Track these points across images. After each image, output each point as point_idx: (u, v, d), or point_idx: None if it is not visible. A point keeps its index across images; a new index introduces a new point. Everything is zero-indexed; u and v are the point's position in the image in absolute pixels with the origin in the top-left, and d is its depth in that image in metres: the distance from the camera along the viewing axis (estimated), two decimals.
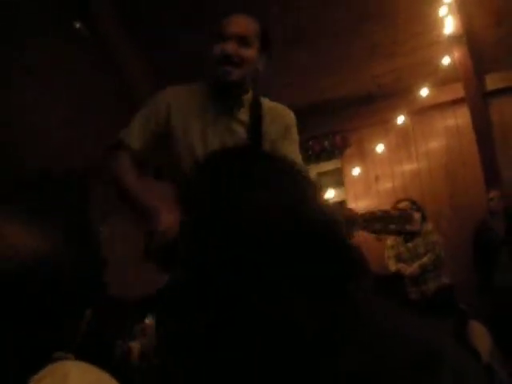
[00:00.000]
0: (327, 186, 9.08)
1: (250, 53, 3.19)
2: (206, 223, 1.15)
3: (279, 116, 3.43)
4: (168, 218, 2.93)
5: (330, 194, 9.22)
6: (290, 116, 3.47)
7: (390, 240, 7.94)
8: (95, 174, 9.48)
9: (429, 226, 7.76)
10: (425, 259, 7.49)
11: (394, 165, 9.07)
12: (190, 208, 1.22)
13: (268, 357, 1.04)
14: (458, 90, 8.35)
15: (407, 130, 8.96)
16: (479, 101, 8.31)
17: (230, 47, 3.13)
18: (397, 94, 8.66)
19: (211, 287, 1.11)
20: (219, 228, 1.12)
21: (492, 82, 8.36)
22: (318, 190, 1.29)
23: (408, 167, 9.00)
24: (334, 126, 9.28)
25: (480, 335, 5.92)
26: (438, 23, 7.86)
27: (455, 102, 8.55)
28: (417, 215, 3.06)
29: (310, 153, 9.33)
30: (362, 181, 9.14)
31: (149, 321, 6.23)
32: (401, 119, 8.76)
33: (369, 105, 8.88)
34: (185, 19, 8.06)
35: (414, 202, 7.72)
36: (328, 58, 8.29)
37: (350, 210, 3.18)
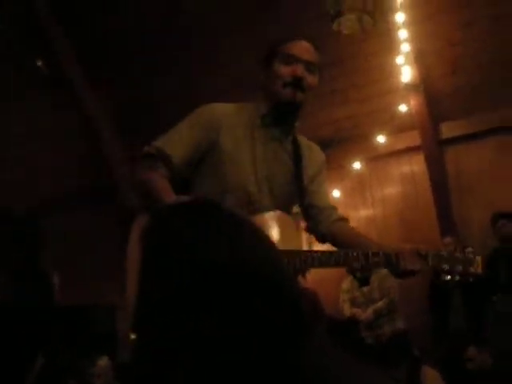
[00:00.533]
0: None
1: (315, 81, 3.14)
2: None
3: (316, 153, 3.42)
4: None
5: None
6: (323, 156, 3.46)
7: (345, 284, 7.96)
8: (51, 215, 9.42)
9: (384, 270, 7.77)
10: (379, 304, 7.52)
11: (349, 210, 9.08)
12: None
13: None
14: (414, 138, 8.45)
15: (363, 175, 9.02)
16: (435, 148, 8.42)
17: (301, 71, 3.05)
18: (354, 139, 8.74)
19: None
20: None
21: (448, 130, 8.47)
22: (265, 236, 1.26)
23: (363, 213, 9.05)
24: None
25: (433, 380, 5.94)
26: (395, 71, 7.97)
27: (411, 150, 8.64)
28: (479, 259, 2.96)
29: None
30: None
31: (102, 362, 6.17)
32: (357, 165, 8.83)
33: (325, 149, 8.88)
34: (146, 61, 8.11)
35: None
36: None
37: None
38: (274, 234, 2.95)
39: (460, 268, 2.94)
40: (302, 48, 3.11)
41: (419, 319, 8.00)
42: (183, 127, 3.06)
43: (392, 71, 8.02)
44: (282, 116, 3.15)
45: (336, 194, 9.06)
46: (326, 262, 2.90)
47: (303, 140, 3.36)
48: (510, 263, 7.29)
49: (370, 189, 9.10)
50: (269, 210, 3.05)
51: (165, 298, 1.11)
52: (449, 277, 2.93)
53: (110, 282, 7.86)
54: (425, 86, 8.06)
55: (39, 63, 7.63)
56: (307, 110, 8.36)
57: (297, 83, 3.03)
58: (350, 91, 8.33)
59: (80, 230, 9.69)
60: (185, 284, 1.09)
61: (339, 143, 8.82)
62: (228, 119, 3.10)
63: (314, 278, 8.34)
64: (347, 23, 7.03)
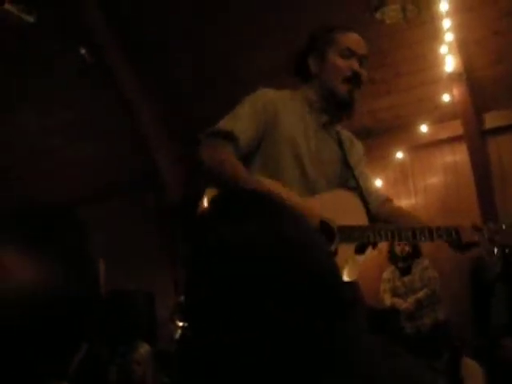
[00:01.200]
0: None
1: (366, 75, 3.20)
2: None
3: (357, 145, 3.50)
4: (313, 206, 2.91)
5: None
6: (363, 148, 3.55)
7: (386, 273, 7.94)
8: (92, 204, 9.52)
9: (425, 261, 7.76)
10: (420, 294, 7.49)
11: None
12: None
13: None
14: (456, 128, 8.38)
15: (405, 165, 8.98)
16: (477, 138, 8.35)
17: (358, 66, 3.13)
18: (396, 129, 8.69)
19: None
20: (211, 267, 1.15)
21: (491, 119, 8.39)
22: (308, 224, 1.28)
23: (405, 202, 8.99)
24: None
25: (472, 373, 5.92)
26: (438, 61, 7.91)
27: (454, 139, 8.57)
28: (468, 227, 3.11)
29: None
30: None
31: (142, 349, 6.23)
32: (399, 155, 8.80)
33: (367, 140, 8.88)
34: (179, 46, 8.15)
35: None
36: None
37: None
38: (343, 211, 3.00)
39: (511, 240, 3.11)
40: (358, 41, 3.20)
41: (460, 310, 7.96)
42: (245, 110, 3.10)
43: (435, 61, 7.96)
44: (332, 106, 3.19)
45: (378, 183, 9.02)
46: (395, 235, 3.03)
47: (344, 132, 3.42)
48: None
49: (413, 178, 9.05)
50: (326, 189, 3.13)
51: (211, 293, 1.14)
52: (496, 250, 3.08)
53: (149, 270, 7.96)
54: (468, 75, 7.99)
55: (83, 51, 7.67)
56: None
57: (356, 80, 3.11)
58: (393, 81, 8.28)
59: (120, 219, 9.77)
60: (233, 281, 1.13)
61: (381, 133, 8.79)
62: (283, 104, 3.16)
63: None
64: (390, 13, 7.02)
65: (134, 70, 8.43)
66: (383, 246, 8.24)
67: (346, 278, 2.94)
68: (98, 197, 9.96)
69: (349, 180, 3.27)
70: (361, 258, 3.06)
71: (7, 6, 6.20)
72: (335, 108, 3.19)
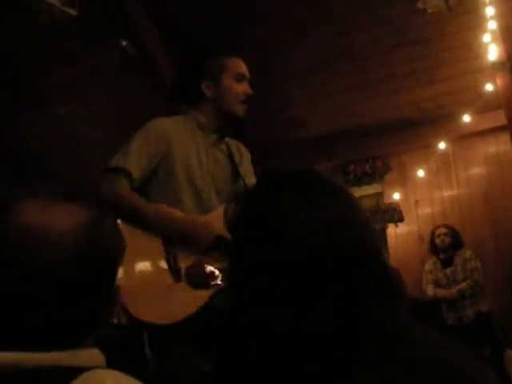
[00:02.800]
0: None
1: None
2: (253, 240, 1.18)
3: (243, 153, 3.76)
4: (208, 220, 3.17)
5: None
6: (248, 154, 3.82)
7: (428, 265, 7.91)
8: None
9: (467, 252, 7.72)
10: (463, 285, 7.45)
11: (433, 190, 9.03)
12: (242, 224, 1.25)
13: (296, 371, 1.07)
14: (500, 117, 8.28)
15: (448, 156, 8.93)
16: None
17: (250, 90, 3.50)
18: (438, 119, 8.63)
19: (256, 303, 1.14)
20: (265, 245, 1.15)
21: None
22: (365, 212, 1.33)
23: (448, 193, 8.95)
24: (375, 150, 9.26)
25: None
26: (481, 50, 7.83)
27: (497, 130, 8.48)
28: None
29: (352, 176, 9.34)
30: (402, 205, 9.04)
31: None
32: (442, 145, 8.73)
33: (410, 130, 8.85)
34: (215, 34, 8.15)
35: (451, 228, 7.71)
36: (368, 81, 8.31)
37: None
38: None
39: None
40: (243, 65, 3.56)
41: (502, 301, 7.91)
42: (137, 143, 3.35)
43: (478, 49, 7.87)
44: (224, 125, 3.56)
45: (421, 174, 9.00)
46: None
47: (232, 142, 3.71)
48: None
49: (455, 169, 9.00)
50: (217, 206, 3.39)
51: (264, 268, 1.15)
52: None
53: None
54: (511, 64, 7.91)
55: (124, 43, 7.69)
56: (389, 90, 8.30)
57: (247, 100, 3.48)
58: (435, 70, 8.21)
59: None
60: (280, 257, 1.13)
61: (424, 123, 8.74)
62: (175, 131, 3.43)
63: (397, 259, 8.34)
64: (432, 2, 6.97)
65: (175, 61, 8.46)
66: (425, 237, 8.22)
67: None
68: None
69: (241, 191, 3.53)
70: None
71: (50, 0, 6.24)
72: (230, 126, 3.57)
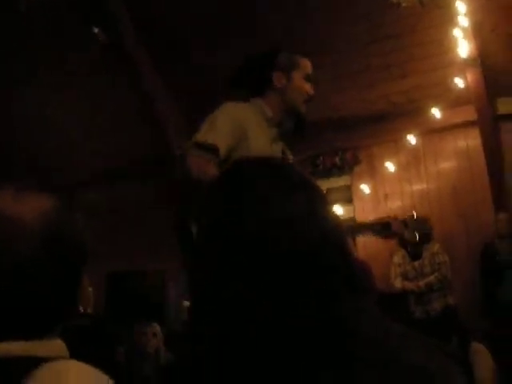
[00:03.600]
0: (336, 202, 9.09)
1: None
2: (213, 232, 1.18)
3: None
4: None
5: (339, 210, 9.25)
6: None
7: (396, 258, 7.96)
8: (108, 188, 9.57)
9: (436, 245, 7.79)
10: (431, 278, 7.52)
11: (403, 183, 9.07)
12: (203, 215, 1.24)
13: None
14: (469, 113, 8.36)
15: (418, 149, 8.97)
16: (490, 124, 8.32)
17: (312, 90, 3.55)
18: (409, 113, 8.68)
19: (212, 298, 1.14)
20: (230, 243, 1.14)
21: (504, 105, 8.37)
22: (328, 203, 1.31)
23: (417, 187, 9.00)
24: (345, 142, 9.30)
25: (481, 358, 5.95)
26: (452, 45, 7.89)
27: (467, 124, 8.55)
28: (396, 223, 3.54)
29: (321, 168, 9.36)
30: (371, 198, 9.15)
31: (155, 325, 6.28)
32: (412, 139, 8.79)
33: (381, 123, 8.90)
34: (197, 32, 8.13)
35: (418, 220, 7.76)
36: (340, 75, 8.34)
37: None
38: None
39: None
40: (312, 68, 3.61)
41: (470, 295, 7.99)
42: (220, 123, 3.25)
43: (450, 45, 7.93)
44: (290, 121, 3.57)
45: (391, 167, 9.04)
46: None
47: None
48: None
49: (425, 162, 9.05)
50: None
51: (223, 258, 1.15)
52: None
53: (158, 252, 8.00)
54: (482, 60, 7.97)
55: (96, 30, 7.66)
56: (362, 84, 8.34)
57: (310, 101, 3.55)
58: (407, 65, 8.26)
59: (133, 201, 9.81)
60: (245, 247, 1.12)
61: (395, 117, 8.79)
62: (248, 118, 3.37)
63: (366, 252, 8.38)
64: None
65: (152, 56, 8.44)
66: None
67: None
68: (110, 179, 10.01)
69: None
70: None
71: None
72: (293, 123, 3.58)
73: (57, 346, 1.35)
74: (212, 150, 3.12)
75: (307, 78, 3.54)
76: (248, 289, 1.11)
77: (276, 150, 3.51)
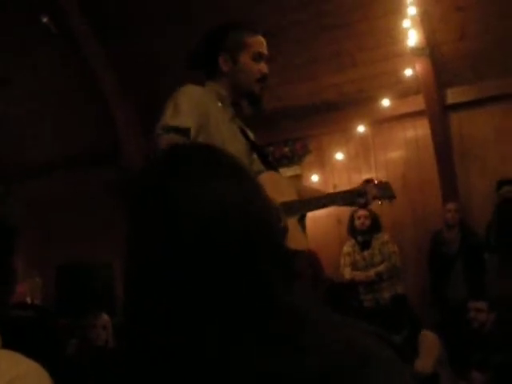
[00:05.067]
0: None
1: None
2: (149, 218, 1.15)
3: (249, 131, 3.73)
4: None
5: None
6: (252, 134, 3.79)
7: (346, 247, 8.00)
8: (55, 177, 9.45)
9: (385, 235, 7.84)
10: (381, 267, 7.58)
11: (352, 173, 9.10)
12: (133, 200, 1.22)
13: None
14: (418, 103, 8.41)
15: (367, 139, 9.01)
16: (439, 114, 8.38)
17: (267, 70, 3.48)
18: (358, 103, 8.71)
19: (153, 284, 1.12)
20: (162, 225, 1.12)
21: (453, 95, 8.42)
22: (262, 187, 1.32)
23: (366, 176, 9.00)
24: (294, 132, 9.29)
25: (430, 344, 6.02)
26: (401, 35, 7.92)
27: (416, 114, 8.59)
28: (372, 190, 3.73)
29: (270, 158, 9.36)
30: (321, 188, 9.18)
31: (105, 316, 6.24)
32: (361, 128, 8.82)
33: (330, 113, 8.91)
34: (147, 17, 8.07)
35: (371, 211, 7.78)
36: (290, 64, 8.33)
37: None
38: (276, 190, 3.28)
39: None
40: (264, 44, 3.52)
41: (418, 284, 8.06)
42: (185, 103, 3.23)
43: (398, 35, 7.96)
44: (243, 102, 3.52)
45: (339, 157, 9.07)
46: (324, 204, 3.61)
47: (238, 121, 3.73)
48: (499, 224, 7.33)
49: (374, 152, 9.09)
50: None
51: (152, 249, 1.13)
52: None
53: (107, 242, 7.93)
54: (431, 50, 8.00)
55: (45, 19, 7.56)
56: (312, 73, 8.33)
57: (264, 80, 3.47)
58: (356, 54, 8.28)
59: (81, 191, 9.72)
60: (171, 238, 1.11)
61: (344, 106, 8.81)
62: (208, 101, 3.36)
63: (315, 241, 8.39)
64: None
65: (99, 39, 8.35)
66: (344, 219, 8.30)
67: (300, 248, 3.30)
68: (57, 169, 9.89)
69: (253, 165, 3.61)
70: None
71: None
72: (247, 103, 3.51)
73: None
74: (183, 131, 3.11)
75: (257, 58, 3.45)
76: (176, 268, 1.09)
77: (233, 129, 3.48)
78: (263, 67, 3.45)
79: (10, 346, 1.35)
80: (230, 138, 3.37)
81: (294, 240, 3.15)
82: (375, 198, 3.76)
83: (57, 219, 9.62)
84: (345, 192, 3.84)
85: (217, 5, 7.75)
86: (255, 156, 3.63)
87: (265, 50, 3.49)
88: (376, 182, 3.84)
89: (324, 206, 3.61)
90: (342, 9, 7.62)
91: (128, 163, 8.95)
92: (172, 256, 1.09)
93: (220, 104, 3.44)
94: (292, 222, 3.25)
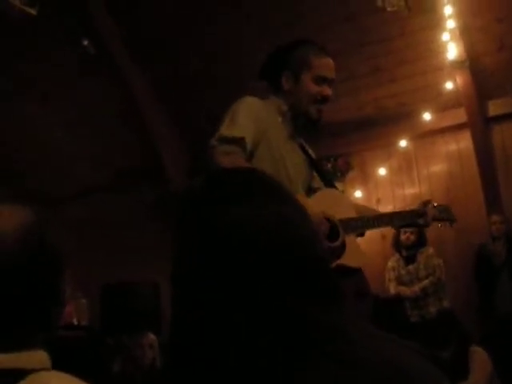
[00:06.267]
0: None
1: (331, 94, 3.47)
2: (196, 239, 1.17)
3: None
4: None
5: None
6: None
7: (391, 262, 7.96)
8: (98, 198, 9.53)
9: (430, 249, 7.78)
10: (426, 282, 7.51)
11: (395, 188, 9.07)
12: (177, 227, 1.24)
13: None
14: (460, 115, 8.36)
15: (409, 153, 8.98)
16: (481, 126, 8.33)
17: (329, 92, 3.42)
18: (399, 117, 8.68)
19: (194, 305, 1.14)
20: (208, 245, 1.14)
21: (494, 107, 8.36)
22: (304, 209, 1.32)
23: (409, 191, 9.00)
24: (336, 148, 9.27)
25: (481, 360, 5.92)
26: (440, 48, 7.89)
27: (457, 127, 8.54)
28: (431, 211, 3.65)
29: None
30: (364, 203, 9.15)
31: (152, 336, 6.28)
32: (403, 143, 8.79)
33: (371, 128, 8.89)
34: (186, 37, 8.12)
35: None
36: None
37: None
38: (335, 206, 3.31)
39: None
40: (330, 67, 3.48)
41: (465, 299, 7.98)
42: (243, 113, 3.23)
43: (438, 48, 7.93)
44: (300, 123, 3.49)
45: (382, 172, 9.04)
46: (384, 222, 3.60)
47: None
48: None
49: (417, 167, 9.05)
50: (301, 191, 3.42)
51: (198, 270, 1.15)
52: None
53: (152, 262, 7.98)
54: (471, 62, 7.96)
55: (85, 42, 7.64)
56: (351, 89, 8.30)
57: (324, 101, 3.40)
58: (395, 69, 8.26)
59: (124, 210, 9.79)
60: (220, 259, 1.12)
61: (385, 121, 8.79)
62: (267, 115, 3.34)
63: None
64: (391, 0, 7.00)
65: (138, 59, 8.42)
66: (388, 234, 8.26)
67: (358, 265, 3.32)
68: (99, 190, 9.97)
69: (313, 182, 3.65)
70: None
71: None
72: (303, 125, 3.49)
73: (40, 357, 1.35)
74: (238, 142, 3.10)
75: (318, 80, 3.39)
76: (223, 288, 1.11)
77: (292, 145, 3.48)
78: (325, 90, 3.39)
79: (58, 366, 1.38)
80: (288, 153, 3.37)
81: (352, 257, 3.17)
82: (435, 219, 3.71)
83: (100, 240, 9.69)
84: (404, 212, 3.82)
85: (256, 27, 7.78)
86: (315, 173, 3.64)
87: (330, 74, 3.45)
88: (435, 204, 3.80)
89: (382, 224, 3.60)
90: (380, 24, 7.61)
91: (170, 182, 9.01)
92: (213, 279, 1.11)
93: (280, 119, 3.42)
94: (351, 239, 3.22)
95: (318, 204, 3.17)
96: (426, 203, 3.73)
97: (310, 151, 3.68)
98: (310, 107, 3.37)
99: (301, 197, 3.16)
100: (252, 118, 3.21)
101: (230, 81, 7.87)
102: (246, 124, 3.16)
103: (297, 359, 1.06)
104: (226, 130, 3.14)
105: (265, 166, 3.17)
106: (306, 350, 1.07)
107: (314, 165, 3.65)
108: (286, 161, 3.32)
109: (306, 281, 1.14)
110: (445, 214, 3.88)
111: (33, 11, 6.31)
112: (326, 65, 3.45)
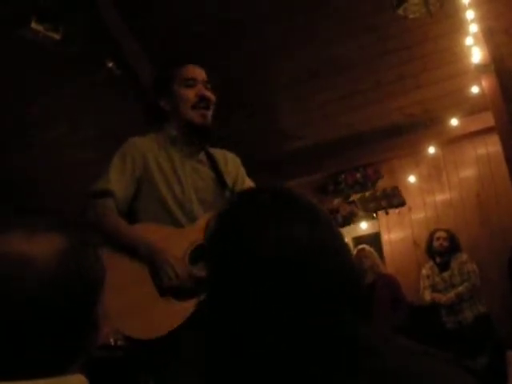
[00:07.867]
0: (361, 219, 9.07)
1: (213, 97, 3.48)
2: (228, 257, 1.19)
3: (229, 158, 3.69)
4: (172, 255, 3.10)
5: (363, 226, 9.25)
6: (238, 159, 3.75)
7: (425, 270, 7.93)
8: None
9: (463, 255, 7.74)
10: (461, 288, 7.47)
11: (426, 195, 9.05)
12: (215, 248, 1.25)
13: None
14: (487, 119, 8.30)
15: (438, 160, 8.96)
16: (509, 129, 8.28)
17: (204, 90, 3.43)
18: (426, 124, 8.66)
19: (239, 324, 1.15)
20: (239, 263, 1.16)
21: None
22: (337, 229, 1.34)
23: (440, 197, 8.97)
24: (365, 158, 9.28)
25: None
26: (464, 53, 7.86)
27: (485, 131, 8.50)
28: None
29: (343, 185, 9.36)
30: (395, 212, 9.10)
31: None
32: (432, 149, 8.77)
33: (399, 136, 8.87)
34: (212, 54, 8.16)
35: (450, 232, 7.72)
36: (357, 90, 8.34)
37: None
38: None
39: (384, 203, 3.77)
40: (195, 69, 3.51)
41: (501, 302, 7.92)
42: (115, 164, 3.37)
43: (461, 53, 7.90)
44: (192, 135, 3.46)
45: (412, 179, 9.02)
46: None
47: (216, 150, 3.67)
48: None
49: (446, 173, 9.03)
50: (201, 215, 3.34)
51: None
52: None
53: None
54: (496, 65, 7.92)
55: (110, 64, 7.70)
56: (377, 98, 8.28)
57: (204, 103, 3.40)
58: (420, 76, 8.24)
59: None
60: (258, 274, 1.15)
61: (412, 129, 8.77)
62: (149, 148, 3.42)
63: (393, 265, 8.34)
64: (412, 8, 6.99)
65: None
66: (420, 242, 8.23)
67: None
68: None
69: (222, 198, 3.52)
70: None
71: (34, 26, 6.27)
72: (195, 136, 3.46)
73: (78, 381, 1.36)
74: (106, 194, 3.25)
75: (188, 83, 3.45)
76: (267, 306, 1.13)
77: (193, 167, 3.48)
78: (199, 90, 3.43)
79: None
80: (188, 177, 3.42)
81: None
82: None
83: None
84: None
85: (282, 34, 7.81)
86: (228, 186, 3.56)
87: (197, 74, 3.49)
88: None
89: None
90: (404, 31, 7.60)
91: None
92: (251, 300, 1.14)
93: (172, 145, 3.46)
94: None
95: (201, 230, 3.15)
96: None
97: (222, 164, 3.62)
98: (191, 113, 3.40)
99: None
100: (125, 165, 3.34)
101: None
102: (116, 174, 3.31)
103: (335, 374, 1.10)
104: (97, 183, 3.31)
105: (149, 204, 3.31)
106: (344, 365, 1.11)
107: (219, 175, 3.55)
108: (176, 192, 3.35)
109: (349, 300, 1.17)
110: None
111: (56, 36, 6.38)
112: (188, 68, 3.52)
